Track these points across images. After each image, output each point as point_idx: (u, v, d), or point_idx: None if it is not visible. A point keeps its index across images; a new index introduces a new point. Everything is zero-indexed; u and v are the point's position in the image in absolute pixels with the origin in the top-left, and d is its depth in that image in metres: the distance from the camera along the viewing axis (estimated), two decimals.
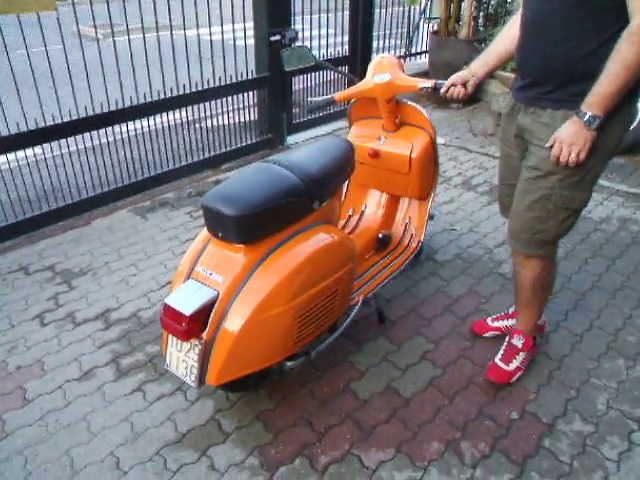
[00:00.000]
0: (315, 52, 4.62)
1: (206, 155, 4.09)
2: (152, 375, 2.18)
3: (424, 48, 5.92)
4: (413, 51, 5.83)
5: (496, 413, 1.98)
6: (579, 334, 2.37)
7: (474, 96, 5.30)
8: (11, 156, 3.10)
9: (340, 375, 2.17)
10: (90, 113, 3.29)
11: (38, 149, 3.19)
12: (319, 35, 4.60)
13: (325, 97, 2.40)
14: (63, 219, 3.37)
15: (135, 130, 3.65)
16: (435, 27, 5.40)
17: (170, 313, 1.67)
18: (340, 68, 4.92)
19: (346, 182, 2.55)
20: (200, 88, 3.80)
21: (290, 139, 4.64)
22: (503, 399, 2.04)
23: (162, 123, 3.74)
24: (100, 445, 1.88)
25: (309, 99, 2.40)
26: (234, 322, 1.69)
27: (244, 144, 4.35)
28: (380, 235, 2.54)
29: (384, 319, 2.46)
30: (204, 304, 1.68)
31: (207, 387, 1.95)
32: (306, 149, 2.02)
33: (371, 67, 2.35)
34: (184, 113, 3.87)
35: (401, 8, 5.59)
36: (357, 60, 4.96)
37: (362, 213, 2.70)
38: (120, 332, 2.42)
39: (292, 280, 1.75)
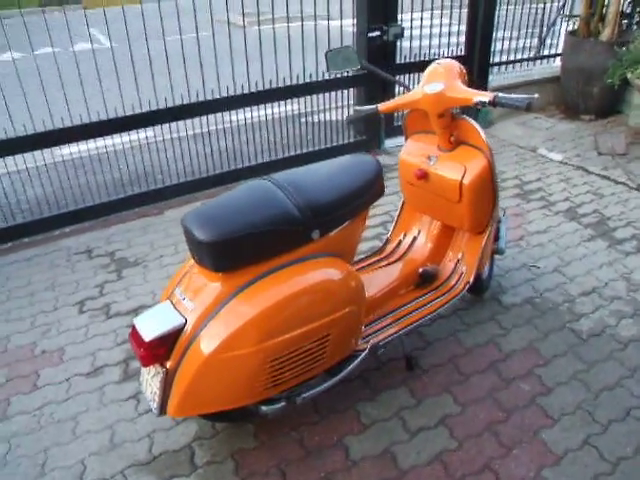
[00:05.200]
0: (425, 51, 4.26)
1: (297, 152, 3.99)
2: None
3: (560, 50, 5.18)
4: (546, 53, 5.14)
5: None
6: None
7: (612, 107, 4.55)
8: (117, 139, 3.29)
9: (339, 425, 1.92)
10: (192, 100, 3.38)
11: (142, 133, 3.38)
12: (430, 33, 4.20)
13: (368, 107, 2.11)
14: (139, 206, 3.48)
15: (225, 122, 3.66)
16: (574, 26, 4.69)
17: (134, 334, 1.57)
18: None
19: (398, 207, 2.26)
20: (294, 83, 3.69)
21: (388, 142, 4.35)
22: None
23: (251, 118, 3.69)
24: (76, 449, 1.86)
25: (354, 107, 2.14)
26: (195, 356, 1.54)
27: (337, 144, 4.16)
28: (420, 270, 2.21)
29: (413, 366, 2.15)
30: (167, 332, 1.55)
31: None
32: (316, 168, 1.79)
33: (425, 74, 2.01)
34: (282, 108, 3.80)
35: (534, 4, 4.95)
36: (474, 61, 4.49)
37: (414, 239, 2.38)
38: None
39: (266, 319, 1.55)
